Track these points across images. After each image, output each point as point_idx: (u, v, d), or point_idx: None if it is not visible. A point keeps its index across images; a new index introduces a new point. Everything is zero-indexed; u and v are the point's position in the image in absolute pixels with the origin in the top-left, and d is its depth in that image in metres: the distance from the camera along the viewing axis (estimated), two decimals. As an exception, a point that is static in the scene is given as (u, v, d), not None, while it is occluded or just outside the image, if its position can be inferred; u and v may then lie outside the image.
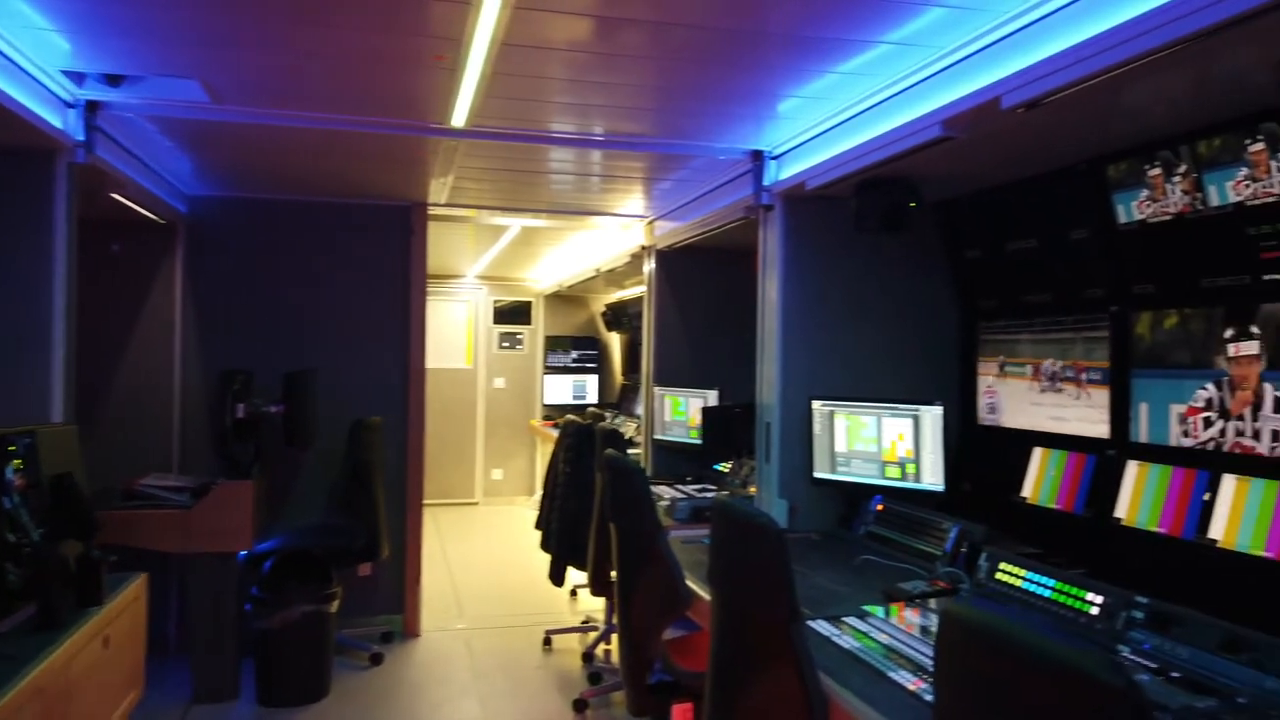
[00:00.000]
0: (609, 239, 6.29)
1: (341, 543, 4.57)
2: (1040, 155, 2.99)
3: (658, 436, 5.38)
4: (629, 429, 7.19)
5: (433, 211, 5.19)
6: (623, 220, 5.64)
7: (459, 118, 3.26)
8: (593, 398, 9.34)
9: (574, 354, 9.38)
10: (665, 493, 4.55)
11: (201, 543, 3.92)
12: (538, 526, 5.22)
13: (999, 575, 2.49)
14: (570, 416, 5.37)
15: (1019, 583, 2.42)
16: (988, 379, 3.66)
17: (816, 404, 3.61)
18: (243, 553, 4.15)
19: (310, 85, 3.06)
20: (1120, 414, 2.97)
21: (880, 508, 3.40)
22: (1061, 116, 2.47)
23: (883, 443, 3.44)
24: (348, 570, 4.78)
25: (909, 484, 3.36)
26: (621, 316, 8.66)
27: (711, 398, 5.01)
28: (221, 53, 2.75)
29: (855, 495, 3.54)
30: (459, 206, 5.15)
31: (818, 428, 3.61)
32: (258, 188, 4.81)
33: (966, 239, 3.65)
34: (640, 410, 7.70)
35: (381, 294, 5.17)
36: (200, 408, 4.81)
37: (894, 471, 3.41)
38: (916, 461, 3.34)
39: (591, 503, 4.39)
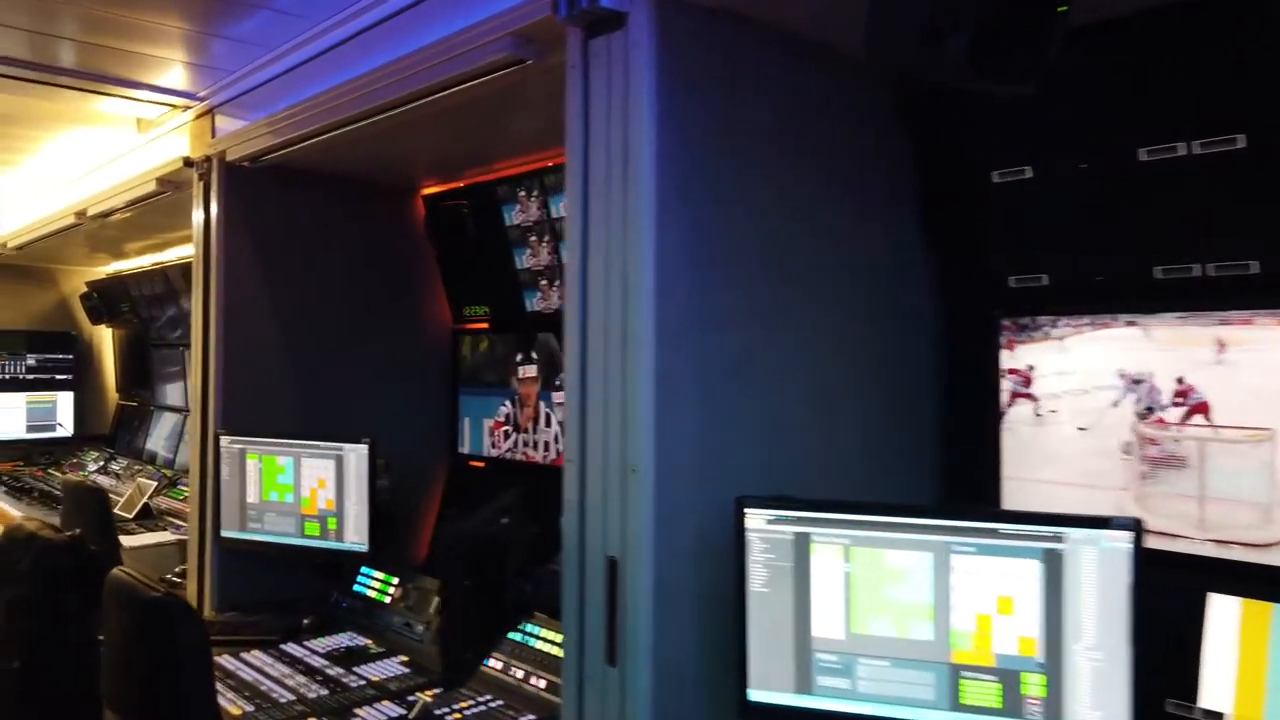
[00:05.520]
0: (111, 146, 3.36)
1: None
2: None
3: (232, 533, 2.72)
4: (144, 485, 4.20)
5: None
6: (142, 107, 2.88)
7: None
8: (68, 428, 6.11)
9: (30, 359, 6.25)
10: (246, 685, 1.99)
11: None
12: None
13: None
14: (16, 516, 2.42)
15: None
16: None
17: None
18: None
19: None
20: None
21: None
22: None
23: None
24: None
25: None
26: (118, 302, 5.83)
27: (355, 459, 2.54)
28: None
29: None
30: None
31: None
32: None
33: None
34: (153, 446, 4.97)
35: None
36: None
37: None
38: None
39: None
